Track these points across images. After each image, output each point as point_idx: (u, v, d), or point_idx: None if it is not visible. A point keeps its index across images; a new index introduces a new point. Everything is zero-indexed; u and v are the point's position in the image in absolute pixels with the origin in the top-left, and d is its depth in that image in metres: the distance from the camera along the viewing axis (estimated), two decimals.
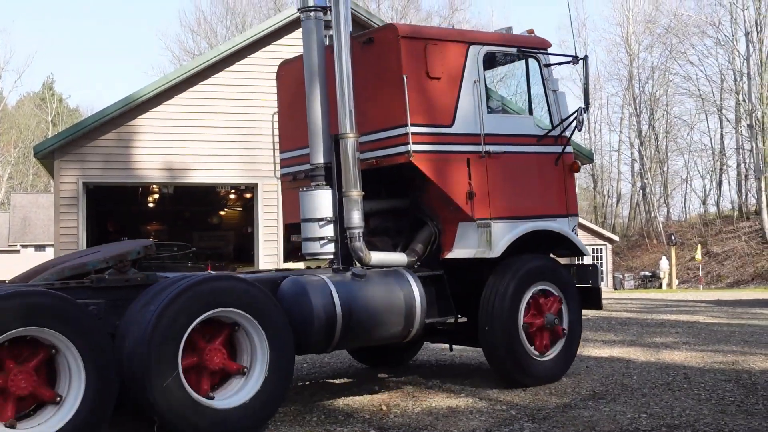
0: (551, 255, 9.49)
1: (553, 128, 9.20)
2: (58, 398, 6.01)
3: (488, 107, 8.93)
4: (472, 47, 8.77)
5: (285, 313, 7.25)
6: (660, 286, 41.72)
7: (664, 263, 40.33)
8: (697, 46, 48.65)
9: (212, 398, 6.71)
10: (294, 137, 9.56)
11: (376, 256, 8.37)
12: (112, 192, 23.15)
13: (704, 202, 53.26)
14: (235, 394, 6.86)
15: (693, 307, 20.46)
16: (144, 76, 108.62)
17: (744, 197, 47.75)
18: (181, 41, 79.86)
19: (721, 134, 48.68)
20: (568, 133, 9.26)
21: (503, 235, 8.63)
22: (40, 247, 60.46)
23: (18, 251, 60.56)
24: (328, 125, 8.58)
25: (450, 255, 8.73)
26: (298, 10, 8.84)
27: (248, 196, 26.30)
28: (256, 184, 19.65)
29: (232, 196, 29.70)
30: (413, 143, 8.22)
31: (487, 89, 8.97)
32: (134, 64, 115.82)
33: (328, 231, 8.43)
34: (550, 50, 9.43)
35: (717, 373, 9.38)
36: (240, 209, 31.56)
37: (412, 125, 8.23)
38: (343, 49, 8.32)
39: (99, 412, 6.11)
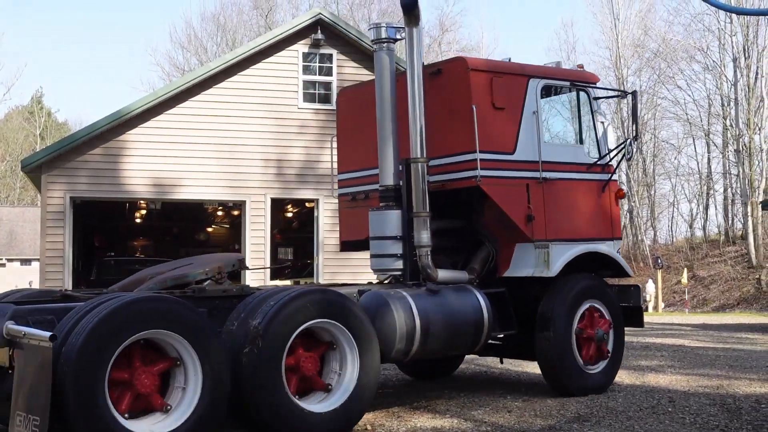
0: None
1: (602, 157, 9.93)
2: (168, 407, 6.36)
3: (544, 136, 9.53)
4: (531, 80, 9.45)
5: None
6: (646, 309, 41.76)
7: (650, 286, 40.43)
8: (685, 71, 49.01)
9: (304, 401, 7.19)
10: (353, 159, 10.30)
11: (442, 274, 8.91)
12: (99, 207, 23.09)
13: (691, 226, 53.50)
14: (324, 401, 7.34)
15: (679, 331, 20.49)
16: (133, 92, 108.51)
17: (730, 222, 48.01)
18: (171, 57, 79.69)
19: (708, 159, 49.00)
20: (614, 162, 10.01)
21: (560, 256, 9.29)
22: (26, 261, 60.17)
23: (3, 265, 60.18)
24: (397, 150, 9.20)
25: (508, 273, 9.40)
26: (372, 41, 9.46)
27: (236, 213, 26.26)
28: (244, 202, 19.64)
29: (219, 213, 29.65)
30: (481, 169, 8.82)
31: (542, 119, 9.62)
32: (124, 79, 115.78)
33: (397, 248, 9.04)
34: (598, 84, 10.24)
35: (702, 397, 9.39)
36: (227, 226, 31.50)
37: (481, 152, 8.84)
38: (416, 79, 8.87)
39: (209, 421, 6.49)
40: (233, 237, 30.19)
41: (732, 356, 13.61)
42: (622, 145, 9.87)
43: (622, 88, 11.27)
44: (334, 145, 10.75)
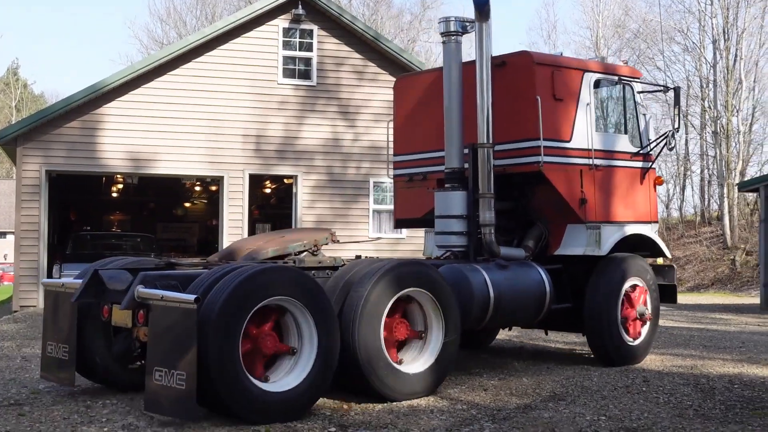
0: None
1: (645, 147, 10.80)
2: (294, 350, 7.25)
3: (596, 126, 10.30)
4: (586, 74, 10.30)
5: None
6: None
7: None
8: (664, 52, 49.11)
9: (400, 363, 8.07)
10: (410, 143, 11.13)
11: (503, 250, 9.78)
12: (75, 181, 22.91)
13: (667, 207, 53.84)
14: (414, 362, 8.21)
15: None
16: (111, 65, 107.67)
17: (706, 203, 48.29)
18: (149, 30, 79.20)
19: (686, 140, 49.17)
20: (654, 152, 10.90)
21: (609, 236, 10.19)
22: (0, 234, 59.67)
23: None
24: (462, 135, 9.95)
25: (560, 252, 10.21)
26: (441, 34, 10.18)
27: (214, 188, 26.14)
28: (222, 177, 19.53)
29: (197, 188, 29.49)
30: (544, 155, 9.63)
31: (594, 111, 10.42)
32: (101, 52, 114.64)
33: (462, 226, 9.78)
34: (641, 79, 11.22)
35: (676, 377, 9.47)
36: (205, 201, 31.35)
37: (543, 140, 9.65)
38: (485, 70, 9.68)
39: (329, 366, 7.35)
40: (211, 212, 30.07)
41: (706, 336, 13.73)
42: (664, 136, 10.74)
43: (665, 84, 12.30)
44: (391, 128, 11.53)
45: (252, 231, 21.75)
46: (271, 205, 29.30)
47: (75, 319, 7.83)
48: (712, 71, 44.06)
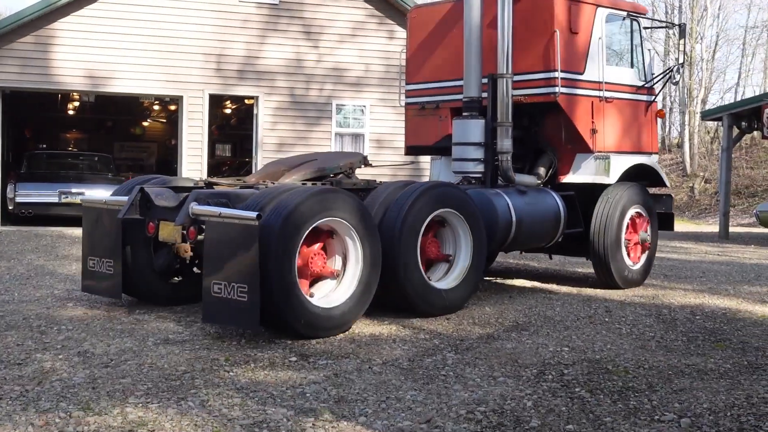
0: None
1: (650, 81, 11.23)
2: (337, 274, 7.80)
3: (606, 60, 10.67)
4: (599, 9, 10.62)
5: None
6: None
7: None
8: None
9: (430, 280, 8.59)
10: (424, 72, 11.38)
11: (518, 177, 10.18)
12: (30, 98, 22.28)
13: None
14: (444, 278, 8.81)
15: None
16: None
17: (667, 130, 48.51)
18: None
19: (651, 66, 49.25)
20: (658, 86, 11.35)
21: (617, 165, 10.62)
22: None
23: None
24: (481, 65, 10.20)
25: (569, 179, 10.66)
26: None
27: (173, 108, 25.61)
28: (182, 97, 19.04)
29: (156, 108, 28.89)
30: (561, 86, 10.02)
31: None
32: None
33: (480, 154, 10.11)
34: (648, 15, 11.61)
35: (638, 307, 9.47)
36: (164, 121, 30.80)
37: (562, 71, 10.02)
38: (506, 2, 9.97)
39: (368, 288, 7.87)
40: (170, 132, 29.58)
41: (666, 266, 13.78)
42: (668, 70, 11.24)
43: (670, 21, 13.09)
44: (404, 57, 11.87)
45: (212, 152, 21.39)
46: (231, 125, 28.84)
47: (120, 234, 8.24)
48: None
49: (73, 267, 11.72)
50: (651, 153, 11.40)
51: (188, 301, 8.99)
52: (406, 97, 11.70)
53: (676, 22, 12.27)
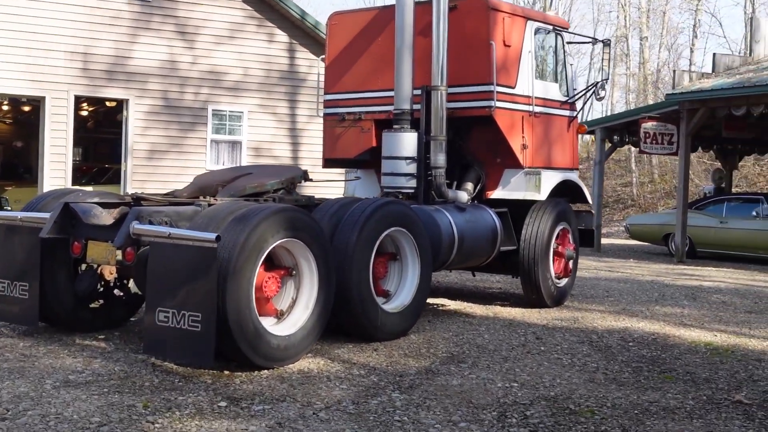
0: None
1: (573, 96, 11.10)
2: (293, 298, 7.28)
3: (535, 74, 10.44)
4: (529, 22, 10.41)
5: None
6: None
7: None
8: None
9: (383, 302, 8.18)
10: (345, 82, 10.90)
11: (451, 193, 9.92)
12: None
13: None
14: (392, 301, 8.37)
15: None
16: None
17: None
18: None
19: None
20: (580, 102, 11.21)
21: (547, 181, 10.33)
22: None
23: None
24: (413, 76, 9.82)
25: (498, 195, 10.36)
26: None
27: (26, 109, 23.74)
28: (44, 98, 17.40)
29: (4, 107, 26.77)
30: (497, 100, 9.70)
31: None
32: None
33: (412, 168, 9.74)
34: (570, 30, 11.67)
35: (565, 332, 9.06)
36: (10, 121, 28.62)
37: (498, 85, 9.72)
38: (441, 13, 9.67)
39: (325, 311, 7.40)
40: (18, 134, 27.63)
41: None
42: (593, 86, 10.98)
43: (594, 36, 13.07)
44: (323, 66, 11.40)
45: (89, 157, 19.85)
46: (86, 128, 27.07)
47: (38, 254, 7.51)
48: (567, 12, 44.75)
49: None
50: (574, 169, 11.26)
51: (109, 327, 8.28)
52: (324, 107, 11.19)
53: (600, 37, 12.24)
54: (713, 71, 20.23)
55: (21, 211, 8.10)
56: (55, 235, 7.40)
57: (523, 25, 10.34)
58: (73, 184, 17.59)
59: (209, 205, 7.62)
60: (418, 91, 9.94)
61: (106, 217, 7.60)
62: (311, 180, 9.15)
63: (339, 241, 7.77)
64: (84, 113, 25.58)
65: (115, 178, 21.23)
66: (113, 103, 20.77)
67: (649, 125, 20.02)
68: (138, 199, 8.07)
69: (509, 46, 10.09)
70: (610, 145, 22.64)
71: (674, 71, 20.75)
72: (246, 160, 18.98)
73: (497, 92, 9.77)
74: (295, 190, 8.88)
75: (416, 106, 9.95)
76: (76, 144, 27.74)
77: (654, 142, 20.21)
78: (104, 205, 7.80)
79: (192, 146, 18.68)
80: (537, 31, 10.58)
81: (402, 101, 9.89)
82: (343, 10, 11.77)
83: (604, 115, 39.18)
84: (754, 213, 18.84)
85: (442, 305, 10.64)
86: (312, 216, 7.55)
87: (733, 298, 12.34)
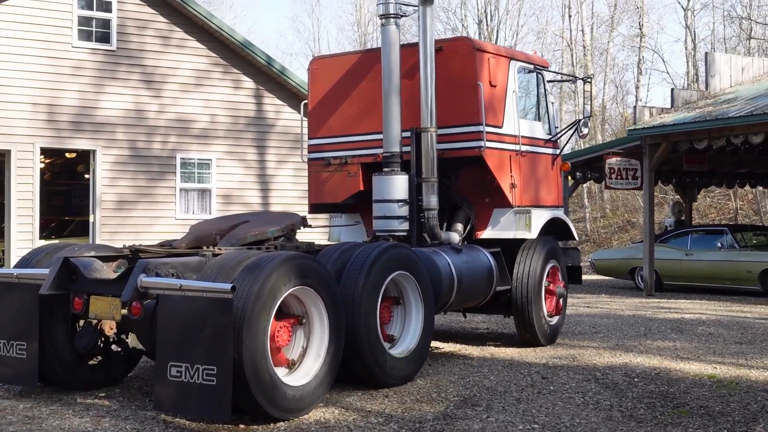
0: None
1: (557, 134, 11.18)
2: (304, 347, 7.15)
3: (520, 113, 10.48)
4: (512, 62, 10.48)
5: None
6: None
7: None
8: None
9: (389, 347, 8.09)
10: (329, 126, 10.82)
11: (444, 235, 9.90)
12: None
13: None
14: (398, 345, 8.31)
15: None
16: None
17: None
18: None
19: None
20: (563, 139, 11.27)
21: (537, 219, 10.35)
22: None
23: None
24: (401, 119, 9.81)
25: (488, 235, 10.34)
26: (380, 16, 9.97)
27: None
28: (9, 151, 17.06)
29: None
30: (487, 140, 9.70)
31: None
32: None
33: (404, 211, 9.70)
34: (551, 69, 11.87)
35: (569, 371, 9.04)
36: None
37: (487, 125, 9.73)
38: (429, 54, 9.69)
39: (336, 359, 7.29)
40: None
41: None
42: (575, 123, 11.01)
43: (574, 74, 13.72)
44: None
45: (45, 210, 19.43)
46: (44, 180, 26.56)
47: (36, 312, 7.35)
48: None
49: None
50: (559, 206, 11.30)
51: (108, 384, 8.04)
52: (309, 152, 11.07)
53: (579, 75, 12.58)
54: (672, 106, 20.61)
55: (16, 268, 7.92)
56: (54, 291, 7.22)
57: (507, 64, 10.40)
58: (41, 239, 17.25)
59: (213, 255, 7.49)
60: (406, 133, 9.95)
61: (108, 271, 7.48)
62: (310, 226, 9.09)
63: (345, 286, 7.68)
64: (41, 165, 25.18)
65: (77, 230, 20.89)
66: (73, 155, 20.47)
67: (613, 161, 20.26)
68: (136, 251, 7.93)
69: (495, 86, 10.13)
70: (572, 181, 22.88)
71: (635, 107, 21.10)
72: (216, 208, 18.79)
73: (486, 132, 9.79)
74: (295, 236, 8.76)
75: (405, 149, 9.95)
76: (58, 198, 27.37)
77: (619, 177, 20.44)
78: (102, 259, 7.66)
79: (161, 195, 18.45)
80: (520, 70, 10.65)
81: (391, 144, 9.86)
82: (325, 55, 11.72)
83: (564, 152, 39.64)
84: (718, 244, 19.12)
85: (437, 348, 10.56)
86: (321, 263, 7.44)
87: (718, 329, 12.44)
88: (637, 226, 34.88)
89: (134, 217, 18.02)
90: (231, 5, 61.07)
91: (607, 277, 22.91)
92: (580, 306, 16.04)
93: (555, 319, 10.82)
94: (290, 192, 19.72)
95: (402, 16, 9.97)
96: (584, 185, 32.59)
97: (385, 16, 9.87)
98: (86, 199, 19.75)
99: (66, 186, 26.81)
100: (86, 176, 20.69)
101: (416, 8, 10.04)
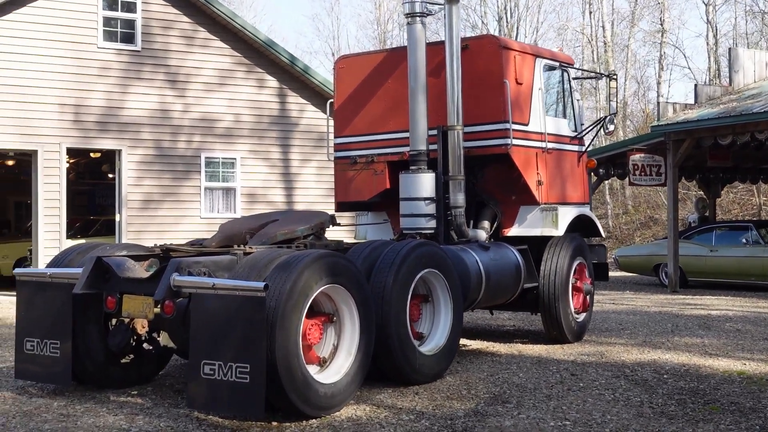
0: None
1: (583, 131, 11.20)
2: (335, 344, 7.22)
3: (546, 110, 10.51)
4: (538, 59, 10.53)
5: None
6: None
7: None
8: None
9: (418, 345, 8.11)
10: (355, 125, 10.89)
11: (471, 233, 9.99)
12: None
13: None
14: (427, 343, 8.35)
15: None
16: None
17: None
18: None
19: None
20: (589, 136, 11.35)
21: (563, 216, 10.43)
22: None
23: None
24: (427, 117, 9.84)
25: (515, 233, 10.39)
26: (405, 15, 10.02)
27: (10, 163, 23.50)
28: (36, 151, 17.27)
29: None
30: (513, 138, 9.76)
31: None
32: None
33: (432, 209, 9.73)
34: (576, 66, 11.83)
35: (598, 368, 9.05)
36: None
37: (513, 123, 9.79)
38: (455, 52, 9.76)
39: (366, 356, 7.33)
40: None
41: None
42: (601, 120, 11.03)
43: (599, 71, 13.70)
44: (332, 110, 11.27)
45: (71, 210, 19.63)
46: (92, 182, 26.78)
47: (70, 311, 7.44)
48: None
49: None
50: (586, 203, 11.33)
51: (139, 383, 8.11)
52: (335, 150, 11.14)
53: (602, 71, 12.54)
54: (696, 102, 20.51)
55: (49, 268, 8.01)
56: (88, 290, 7.31)
57: (533, 62, 10.45)
58: (67, 238, 17.41)
59: (245, 253, 7.56)
60: (432, 131, 9.99)
61: (140, 270, 7.56)
62: (339, 224, 9.12)
63: (375, 284, 7.74)
64: (66, 165, 25.37)
65: (102, 229, 21.04)
66: (97, 154, 20.62)
67: (637, 157, 20.21)
68: (167, 250, 8.03)
69: (521, 83, 10.17)
70: (596, 178, 22.83)
71: (658, 103, 21.03)
72: (240, 206, 18.90)
73: (513, 130, 9.84)
74: (324, 235, 8.82)
75: (431, 147, 9.99)
76: (83, 198, 27.56)
77: (643, 173, 20.39)
78: (134, 258, 7.76)
79: (186, 194, 18.59)
80: (545, 67, 10.69)
81: (418, 142, 9.90)
82: (350, 54, 11.82)
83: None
84: (743, 240, 19.02)
85: (464, 345, 10.59)
86: (351, 261, 7.50)
87: (746, 325, 12.42)
88: (659, 222, 34.67)
89: (159, 216, 18.15)
90: (250, 5, 61.28)
91: (630, 274, 22.81)
92: (605, 303, 16.03)
93: (582, 316, 10.82)
94: (314, 190, 19.82)
95: (428, 14, 10.02)
96: (606, 182, 32.50)
97: (411, 15, 9.91)
98: (110, 198, 19.96)
99: (90, 186, 27.00)
100: (110, 176, 20.90)
101: (442, 7, 10.12)
